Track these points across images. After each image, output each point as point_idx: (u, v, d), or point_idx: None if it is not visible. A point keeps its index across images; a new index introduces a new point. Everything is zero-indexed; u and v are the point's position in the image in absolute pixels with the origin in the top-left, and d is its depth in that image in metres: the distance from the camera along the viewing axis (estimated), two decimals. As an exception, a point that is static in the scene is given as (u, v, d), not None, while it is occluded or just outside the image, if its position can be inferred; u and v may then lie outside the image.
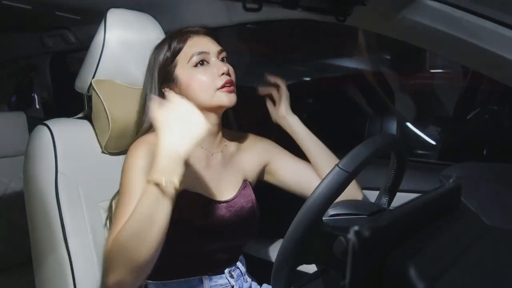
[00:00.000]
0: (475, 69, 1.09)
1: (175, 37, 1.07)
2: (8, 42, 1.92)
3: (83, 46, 1.42)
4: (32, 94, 2.29)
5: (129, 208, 0.87)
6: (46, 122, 1.09)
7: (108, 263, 0.85)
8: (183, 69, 1.04)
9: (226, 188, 1.10)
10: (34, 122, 1.74)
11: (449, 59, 2.07)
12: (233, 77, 1.06)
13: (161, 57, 1.07)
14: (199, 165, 1.06)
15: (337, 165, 0.71)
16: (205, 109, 1.03)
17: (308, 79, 2.57)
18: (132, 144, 1.02)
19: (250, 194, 1.13)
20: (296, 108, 1.22)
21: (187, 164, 0.88)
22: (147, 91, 1.08)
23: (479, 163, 1.31)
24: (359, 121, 2.14)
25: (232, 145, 1.16)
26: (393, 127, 2.07)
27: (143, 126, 1.06)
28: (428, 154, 2.08)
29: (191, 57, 1.03)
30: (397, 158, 0.88)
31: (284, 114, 1.20)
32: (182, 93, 1.05)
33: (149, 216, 0.82)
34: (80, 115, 1.21)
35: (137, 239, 0.82)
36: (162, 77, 1.06)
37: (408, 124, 2.12)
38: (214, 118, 1.07)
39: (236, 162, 1.14)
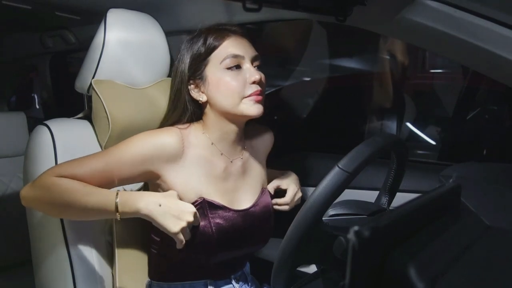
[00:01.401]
0: (475, 69, 1.09)
1: (211, 32, 1.01)
2: (8, 42, 1.92)
3: (83, 46, 1.42)
4: (32, 94, 2.29)
5: (102, 163, 0.94)
6: (46, 122, 1.09)
7: (36, 182, 0.94)
8: (214, 69, 0.99)
9: (244, 197, 1.06)
10: (34, 122, 1.74)
11: (449, 59, 2.07)
12: (264, 87, 1.01)
13: (195, 50, 1.01)
14: (217, 173, 1.02)
15: (337, 165, 0.70)
16: (229, 115, 1.00)
17: (308, 79, 2.57)
18: (165, 128, 1.01)
19: (267, 202, 1.09)
20: (296, 108, 1.22)
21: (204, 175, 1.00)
22: (177, 83, 1.03)
23: (479, 163, 1.31)
24: (359, 121, 2.14)
25: (251, 147, 1.12)
26: (393, 127, 2.07)
27: (172, 116, 1.04)
28: (428, 154, 2.08)
29: (225, 58, 0.97)
30: (397, 158, 0.88)
31: None
32: (207, 93, 1.00)
33: (86, 205, 0.91)
34: (80, 115, 1.21)
35: (64, 202, 0.91)
36: (191, 71, 1.01)
37: (408, 124, 2.12)
38: (237, 125, 1.02)
39: (255, 166, 1.11)
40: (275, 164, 1.21)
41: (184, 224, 0.90)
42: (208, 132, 1.03)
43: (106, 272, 1.09)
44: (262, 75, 1.01)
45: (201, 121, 1.05)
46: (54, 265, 1.05)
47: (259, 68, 1.02)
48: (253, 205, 1.06)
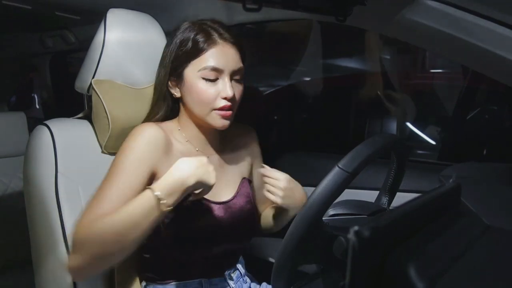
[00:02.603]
0: (475, 69, 1.09)
1: (202, 33, 0.99)
2: (8, 42, 1.92)
3: (83, 46, 1.42)
4: (32, 94, 2.29)
5: (116, 188, 0.90)
6: (46, 122, 1.09)
7: (75, 246, 0.86)
8: (192, 73, 0.99)
9: (224, 189, 1.07)
10: (34, 122, 1.74)
11: (449, 59, 2.07)
12: (236, 101, 1.01)
13: (183, 45, 1.00)
14: None
15: (337, 165, 0.71)
16: (198, 119, 1.02)
17: (308, 79, 2.57)
18: (140, 124, 1.00)
19: (248, 193, 1.11)
20: (296, 108, 1.22)
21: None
22: (161, 74, 1.05)
23: (479, 163, 1.31)
24: (359, 121, 2.14)
25: (229, 145, 1.13)
26: (393, 127, 2.07)
27: (157, 114, 1.06)
28: (428, 154, 2.09)
29: (204, 68, 0.98)
30: (397, 158, 0.88)
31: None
32: (182, 92, 1.02)
33: (135, 221, 0.84)
34: (80, 115, 1.21)
35: (115, 237, 0.84)
36: (174, 65, 1.02)
37: (408, 124, 2.12)
38: (208, 128, 1.04)
39: (233, 161, 1.13)
40: (275, 164, 1.21)
41: (212, 168, 0.91)
42: (183, 129, 1.06)
43: (106, 272, 1.09)
44: (238, 90, 1.01)
45: (176, 118, 1.07)
46: (54, 265, 1.05)
47: (239, 80, 1.01)
48: (234, 197, 1.08)
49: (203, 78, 0.98)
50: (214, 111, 0.98)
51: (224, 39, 1.00)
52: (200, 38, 0.99)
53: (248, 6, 0.79)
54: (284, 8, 1.00)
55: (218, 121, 0.99)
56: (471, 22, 0.90)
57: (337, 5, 0.98)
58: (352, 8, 0.99)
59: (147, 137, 0.96)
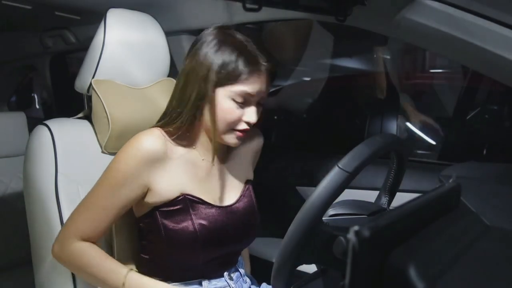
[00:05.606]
0: (475, 69, 1.09)
1: (247, 57, 0.94)
2: (8, 42, 1.92)
3: (83, 46, 1.42)
4: (32, 94, 2.29)
5: (96, 208, 0.95)
6: (46, 122, 1.09)
7: (64, 249, 0.97)
8: (222, 92, 0.95)
9: (228, 194, 1.07)
10: (34, 122, 1.74)
11: (449, 59, 2.07)
12: (255, 120, 0.99)
13: (223, 67, 0.94)
14: (200, 175, 1.03)
15: (337, 165, 0.71)
16: (209, 133, 1.00)
17: (308, 79, 2.57)
18: (140, 134, 0.97)
19: (251, 198, 1.11)
20: (295, 108, 1.22)
21: (187, 171, 1.00)
22: (198, 79, 0.96)
23: (479, 163, 1.31)
24: (359, 121, 2.14)
25: (236, 150, 1.12)
26: (393, 127, 2.07)
27: (173, 122, 0.99)
28: (428, 154, 2.09)
29: (239, 92, 0.94)
30: (397, 158, 0.88)
31: None
32: (209, 108, 0.97)
33: (95, 277, 0.96)
34: (80, 115, 1.21)
35: (76, 270, 1.01)
36: (208, 86, 0.96)
37: (408, 124, 2.12)
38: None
39: (239, 165, 1.12)
40: (274, 164, 1.21)
41: None
42: (192, 136, 1.03)
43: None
44: (259, 112, 1.00)
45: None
46: (54, 265, 1.05)
47: (261, 101, 1.00)
48: (237, 201, 1.07)
49: (233, 100, 0.95)
50: (232, 131, 0.98)
51: (266, 68, 0.97)
52: (245, 64, 0.94)
53: (248, 6, 0.79)
54: (284, 8, 1.00)
55: (234, 140, 0.99)
56: (471, 22, 0.90)
57: (337, 5, 0.98)
58: (352, 8, 0.99)
59: (141, 153, 0.94)
